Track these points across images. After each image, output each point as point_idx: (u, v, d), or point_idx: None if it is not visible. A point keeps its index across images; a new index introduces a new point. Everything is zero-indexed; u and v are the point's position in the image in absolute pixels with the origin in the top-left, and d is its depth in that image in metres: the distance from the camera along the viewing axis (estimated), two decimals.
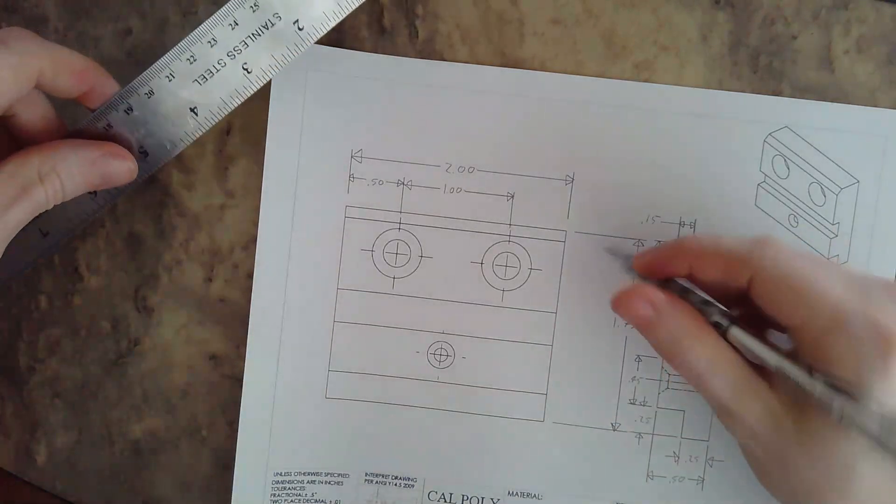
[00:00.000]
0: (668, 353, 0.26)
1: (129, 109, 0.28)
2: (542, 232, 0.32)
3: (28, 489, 0.34)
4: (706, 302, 0.27)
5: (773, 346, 0.25)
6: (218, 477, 0.33)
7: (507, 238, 0.32)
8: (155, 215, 0.33)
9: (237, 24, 0.27)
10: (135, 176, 0.28)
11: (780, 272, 0.25)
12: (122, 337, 0.33)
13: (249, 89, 0.28)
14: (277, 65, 0.28)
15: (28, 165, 0.25)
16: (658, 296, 0.26)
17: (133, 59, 0.32)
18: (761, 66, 0.32)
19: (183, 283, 0.33)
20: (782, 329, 0.26)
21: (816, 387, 0.23)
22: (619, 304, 0.27)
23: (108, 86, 0.27)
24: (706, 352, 0.25)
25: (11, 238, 0.25)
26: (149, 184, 0.28)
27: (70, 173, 0.26)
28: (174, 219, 0.33)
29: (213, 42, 0.27)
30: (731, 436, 0.27)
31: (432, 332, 0.32)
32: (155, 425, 0.33)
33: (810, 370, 0.24)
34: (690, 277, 0.27)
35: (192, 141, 0.28)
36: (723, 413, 0.26)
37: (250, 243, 0.33)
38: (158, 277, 0.33)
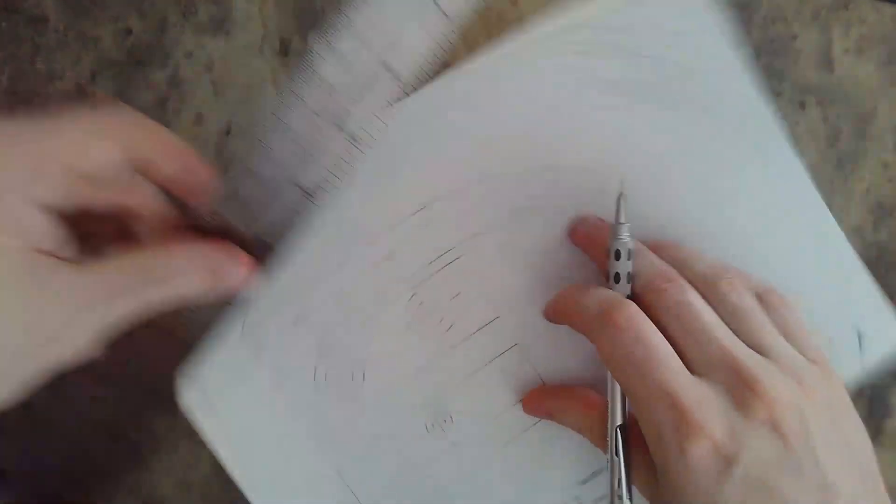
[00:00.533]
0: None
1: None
2: (464, 246, 0.29)
3: (27, 489, 0.34)
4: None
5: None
6: (218, 477, 0.33)
7: (436, 269, 0.29)
8: None
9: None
10: (248, 283, 0.25)
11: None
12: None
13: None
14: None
15: (138, 265, 0.23)
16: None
17: (133, 59, 0.32)
18: (761, 66, 0.32)
19: None
20: None
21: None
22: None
23: (204, 174, 0.25)
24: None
25: (113, 331, 0.23)
26: None
27: (186, 281, 0.24)
28: None
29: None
30: None
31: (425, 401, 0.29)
32: (155, 425, 0.33)
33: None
34: None
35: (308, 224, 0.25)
36: None
37: None
38: None
